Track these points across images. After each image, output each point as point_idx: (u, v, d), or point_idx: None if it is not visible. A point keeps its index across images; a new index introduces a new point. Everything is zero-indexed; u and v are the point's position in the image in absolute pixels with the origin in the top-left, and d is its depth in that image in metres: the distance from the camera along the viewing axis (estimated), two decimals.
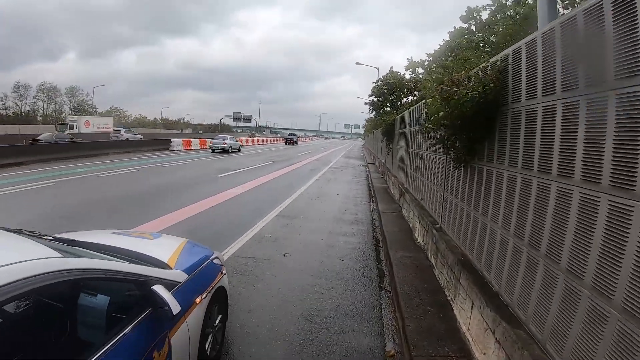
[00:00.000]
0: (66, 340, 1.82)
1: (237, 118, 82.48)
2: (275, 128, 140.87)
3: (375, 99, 18.44)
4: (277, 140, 64.19)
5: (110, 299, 2.04)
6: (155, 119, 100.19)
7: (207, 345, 2.85)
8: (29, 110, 66.39)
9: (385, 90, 17.51)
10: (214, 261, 3.22)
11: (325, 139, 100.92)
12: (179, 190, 10.58)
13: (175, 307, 2.05)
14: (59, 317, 1.86)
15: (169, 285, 2.33)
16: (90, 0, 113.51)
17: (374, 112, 20.18)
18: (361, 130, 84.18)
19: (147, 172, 14.91)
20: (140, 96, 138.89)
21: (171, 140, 29.56)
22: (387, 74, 17.88)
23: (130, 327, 1.90)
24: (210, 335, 2.95)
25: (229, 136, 30.64)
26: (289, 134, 66.77)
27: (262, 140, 55.03)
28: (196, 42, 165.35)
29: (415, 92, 14.81)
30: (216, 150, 27.71)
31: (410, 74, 15.75)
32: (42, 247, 1.75)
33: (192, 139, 32.09)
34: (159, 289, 2.08)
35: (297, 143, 55.55)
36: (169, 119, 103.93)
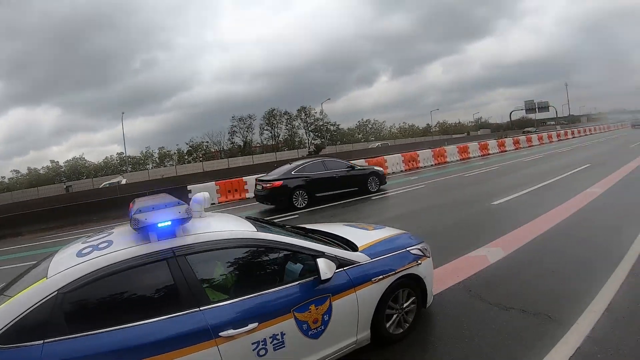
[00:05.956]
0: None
1: (530, 109, 69.57)
2: (596, 115, 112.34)
3: None
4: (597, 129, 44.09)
5: (302, 267, 2.78)
6: (427, 125, 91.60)
7: (389, 323, 3.13)
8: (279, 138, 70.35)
9: None
10: (411, 251, 3.40)
11: (634, 125, 48.84)
12: None
13: (325, 275, 2.56)
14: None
15: (345, 262, 2.89)
16: (389, 29, 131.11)
17: None
18: None
19: None
20: (454, 102, 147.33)
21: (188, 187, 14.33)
22: None
23: (299, 282, 2.63)
24: (395, 315, 3.22)
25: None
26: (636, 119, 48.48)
27: (549, 137, 32.29)
28: (494, 41, 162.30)
29: None
30: None
31: None
32: (249, 225, 2.87)
33: None
34: (320, 261, 2.64)
35: None
36: (447, 122, 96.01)
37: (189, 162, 61.45)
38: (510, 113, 73.83)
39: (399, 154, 19.93)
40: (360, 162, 15.55)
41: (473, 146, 23.51)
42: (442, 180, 13.71)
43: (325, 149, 55.89)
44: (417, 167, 19.21)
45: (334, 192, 11.48)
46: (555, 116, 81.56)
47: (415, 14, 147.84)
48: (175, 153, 67.58)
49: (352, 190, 11.80)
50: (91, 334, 1.98)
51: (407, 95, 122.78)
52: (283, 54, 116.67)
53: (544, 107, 69.52)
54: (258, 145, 70.48)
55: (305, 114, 73.81)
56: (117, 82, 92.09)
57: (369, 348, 2.99)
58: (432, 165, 19.96)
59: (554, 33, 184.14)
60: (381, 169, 13.10)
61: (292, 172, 11.14)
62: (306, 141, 72.51)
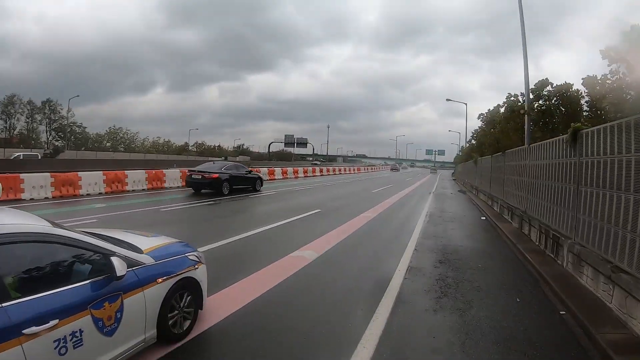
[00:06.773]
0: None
1: (289, 143, 75.59)
2: (352, 157, 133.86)
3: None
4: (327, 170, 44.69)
5: (91, 266, 2.85)
6: (185, 143, 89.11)
7: (171, 322, 3.49)
8: None
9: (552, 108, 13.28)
10: (189, 257, 3.91)
11: (392, 169, 79.50)
12: None
13: (120, 272, 2.80)
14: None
15: (133, 263, 3.14)
16: (176, 42, 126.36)
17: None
18: (449, 158, 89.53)
19: None
20: (224, 127, 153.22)
21: None
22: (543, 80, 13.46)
23: (91, 280, 2.74)
24: (177, 315, 3.60)
25: None
26: (393, 164, 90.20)
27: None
28: (274, 76, 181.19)
29: None
30: None
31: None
32: (44, 221, 2.76)
33: None
34: (114, 259, 2.86)
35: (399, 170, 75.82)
36: (206, 144, 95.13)
37: None
38: (270, 144, 79.10)
39: (101, 172, 15.98)
40: None
41: None
42: (117, 216, 10.29)
43: (64, 153, 47.07)
44: (124, 190, 16.08)
45: (242, 187, 17.89)
46: (313, 152, 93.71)
47: (206, 34, 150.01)
48: None
49: (249, 187, 18.50)
50: None
51: (180, 111, 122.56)
52: (63, 39, 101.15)
53: (303, 143, 77.60)
54: None
55: (50, 109, 61.33)
56: None
57: (155, 346, 3.30)
58: (142, 189, 16.95)
59: (329, 82, 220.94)
60: (261, 175, 20.27)
61: (222, 169, 16.92)
62: (44, 140, 59.95)
